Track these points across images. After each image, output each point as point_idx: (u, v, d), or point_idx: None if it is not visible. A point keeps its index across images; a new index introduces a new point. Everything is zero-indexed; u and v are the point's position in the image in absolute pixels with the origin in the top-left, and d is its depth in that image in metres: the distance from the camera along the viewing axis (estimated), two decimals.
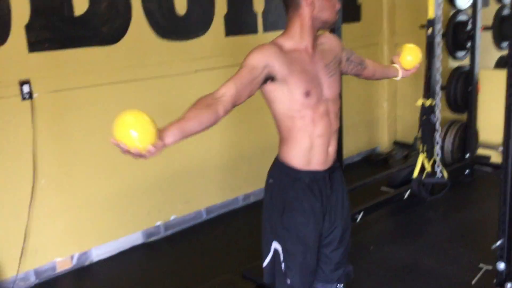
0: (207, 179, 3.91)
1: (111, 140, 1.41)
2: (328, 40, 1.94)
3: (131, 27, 3.30)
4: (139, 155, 1.44)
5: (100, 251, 3.41)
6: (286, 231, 1.87)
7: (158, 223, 3.67)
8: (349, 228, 2.03)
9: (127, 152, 1.43)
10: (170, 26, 3.50)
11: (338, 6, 1.81)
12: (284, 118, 1.80)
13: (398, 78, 2.32)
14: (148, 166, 3.54)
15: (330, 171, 1.91)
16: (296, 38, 1.79)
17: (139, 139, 1.40)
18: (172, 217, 3.74)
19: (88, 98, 3.21)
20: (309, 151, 1.83)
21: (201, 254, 3.48)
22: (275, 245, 1.89)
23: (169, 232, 3.74)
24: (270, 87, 1.75)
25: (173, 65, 3.56)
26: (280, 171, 1.88)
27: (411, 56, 2.26)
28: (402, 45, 2.30)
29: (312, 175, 1.86)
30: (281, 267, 1.90)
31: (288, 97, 1.75)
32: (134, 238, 3.56)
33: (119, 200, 3.44)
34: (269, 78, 1.72)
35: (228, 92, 1.63)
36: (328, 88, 1.84)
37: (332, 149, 1.90)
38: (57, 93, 3.09)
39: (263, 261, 1.95)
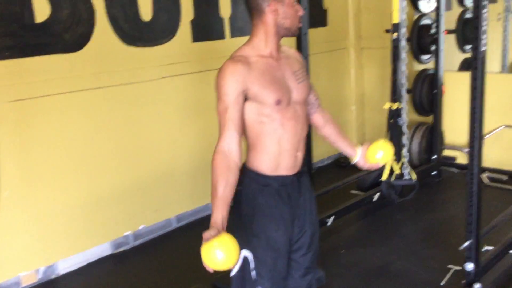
0: (177, 186, 3.86)
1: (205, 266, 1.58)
2: (292, 51, 1.98)
3: (95, 33, 3.24)
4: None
5: (66, 264, 3.32)
6: (257, 238, 1.86)
7: (127, 233, 3.60)
8: (317, 232, 2.03)
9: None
10: (135, 32, 3.45)
11: (301, 12, 1.82)
12: (253, 124, 1.80)
13: (353, 162, 2.10)
14: (115, 174, 3.48)
15: (299, 175, 1.91)
16: (261, 45, 1.80)
17: (224, 264, 1.58)
18: (141, 226, 3.68)
19: (52, 106, 3.13)
20: (277, 156, 1.83)
21: (172, 264, 3.42)
22: (245, 253, 1.87)
23: (138, 242, 3.67)
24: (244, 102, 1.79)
25: (139, 72, 3.51)
26: (248, 178, 1.87)
27: (381, 154, 2.01)
28: (379, 140, 2.07)
29: (281, 180, 1.86)
30: (251, 276, 1.87)
31: (259, 104, 1.76)
32: (102, 249, 3.48)
33: (86, 210, 3.36)
34: (246, 97, 1.77)
35: (233, 142, 1.74)
36: (297, 93, 1.85)
37: (301, 153, 1.91)
38: (19, 102, 2.99)
39: (232, 270, 1.93)
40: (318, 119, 2.11)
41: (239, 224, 1.90)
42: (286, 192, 1.87)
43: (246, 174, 1.88)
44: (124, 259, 3.50)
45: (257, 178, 1.86)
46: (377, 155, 2.01)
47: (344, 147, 2.12)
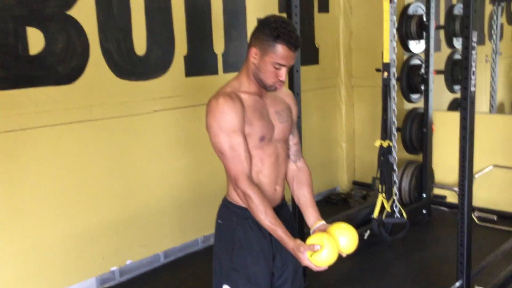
0: (165, 221, 3.81)
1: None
2: (283, 90, 1.96)
3: (89, 66, 3.25)
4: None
5: None
6: (236, 272, 1.85)
7: (113, 268, 3.53)
8: (301, 267, 2.01)
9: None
10: (129, 66, 3.47)
11: (282, 78, 1.77)
12: None
13: (311, 229, 1.86)
14: (103, 208, 3.43)
15: (278, 209, 1.91)
16: (245, 83, 1.83)
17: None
18: (128, 262, 3.61)
19: (43, 138, 3.10)
20: None
21: None
22: (225, 287, 1.85)
23: (125, 277, 3.59)
24: None
25: (131, 105, 3.51)
26: (228, 211, 1.87)
27: (346, 242, 1.75)
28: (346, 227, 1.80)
29: None
30: None
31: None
32: (87, 284, 3.40)
33: (72, 244, 3.29)
34: None
35: (248, 167, 1.78)
36: (279, 132, 1.88)
37: (280, 187, 1.92)
38: (9, 133, 2.97)
39: None
40: (288, 169, 1.98)
41: (219, 259, 1.90)
42: None
43: (226, 206, 1.89)
44: None
45: (237, 211, 1.86)
46: (342, 243, 1.74)
47: (308, 215, 1.91)
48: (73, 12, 3.15)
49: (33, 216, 3.11)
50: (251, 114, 1.77)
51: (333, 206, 4.93)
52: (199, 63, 3.91)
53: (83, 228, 3.34)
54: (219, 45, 4.02)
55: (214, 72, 4.00)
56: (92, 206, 3.38)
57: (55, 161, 3.17)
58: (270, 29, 1.70)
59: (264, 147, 1.81)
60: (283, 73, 1.76)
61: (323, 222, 1.87)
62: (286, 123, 1.89)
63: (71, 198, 3.27)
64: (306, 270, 2.85)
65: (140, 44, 3.51)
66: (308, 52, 4.73)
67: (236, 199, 1.85)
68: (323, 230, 1.80)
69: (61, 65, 3.14)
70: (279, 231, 1.71)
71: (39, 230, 3.15)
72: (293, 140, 1.99)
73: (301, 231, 3.08)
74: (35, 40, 3.01)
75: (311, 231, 1.85)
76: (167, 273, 3.70)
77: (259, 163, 1.82)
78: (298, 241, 1.68)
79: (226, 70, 4.04)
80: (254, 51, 1.76)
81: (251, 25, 4.18)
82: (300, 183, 1.96)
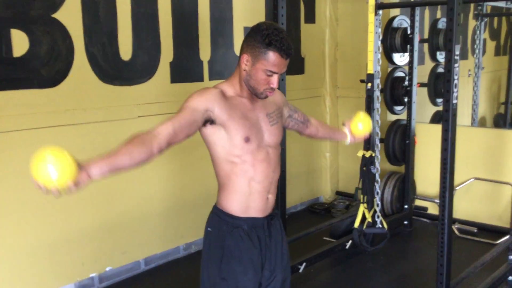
0: (146, 228, 3.78)
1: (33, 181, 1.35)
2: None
3: (73, 70, 3.23)
4: (57, 192, 1.39)
5: None
6: (225, 282, 1.83)
7: (93, 274, 3.48)
8: (289, 277, 2.01)
9: (44, 189, 1.38)
10: (114, 71, 3.45)
11: (272, 85, 1.77)
12: (223, 162, 1.80)
13: (347, 142, 2.30)
14: (83, 214, 3.39)
15: (269, 218, 1.90)
16: (237, 87, 1.83)
17: (57, 178, 1.35)
18: (108, 268, 3.56)
19: (23, 141, 3.06)
20: (247, 197, 1.82)
21: None
22: None
23: (104, 284, 3.54)
24: (209, 130, 1.76)
25: (115, 110, 3.49)
26: (218, 219, 1.85)
27: (362, 124, 2.29)
28: (356, 113, 2.33)
29: (251, 222, 1.84)
30: None
31: (227, 141, 1.76)
32: None
33: (51, 249, 3.25)
34: (208, 121, 1.73)
35: (165, 131, 1.62)
36: (269, 136, 1.86)
37: (272, 196, 1.90)
38: None
39: None
40: (310, 131, 2.22)
41: (208, 267, 1.87)
42: (256, 234, 1.85)
43: (216, 214, 1.87)
44: None
45: (227, 219, 1.84)
46: (359, 127, 2.28)
47: (335, 137, 2.34)
48: (59, 15, 3.13)
49: (11, 220, 3.07)
50: (232, 110, 1.76)
51: (316, 216, 4.94)
52: (185, 69, 3.91)
53: (62, 233, 3.29)
54: (205, 52, 4.02)
55: (200, 79, 4.00)
56: (72, 211, 3.34)
57: None
58: (262, 36, 1.70)
59: (255, 152, 1.80)
60: (274, 80, 1.75)
61: (346, 129, 2.29)
62: (276, 125, 1.89)
63: (51, 203, 3.23)
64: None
65: (125, 49, 3.50)
66: (294, 62, 4.75)
67: (227, 206, 1.84)
68: (351, 133, 2.29)
69: (45, 68, 3.11)
70: (106, 155, 1.56)
71: (17, 235, 3.10)
72: (297, 113, 2.11)
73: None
74: (19, 43, 2.98)
75: (347, 143, 2.30)
76: (147, 280, 3.66)
77: (250, 169, 1.80)
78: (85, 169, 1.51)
79: (212, 77, 4.04)
80: (245, 58, 1.75)
81: (238, 33, 4.20)
82: (318, 131, 2.25)
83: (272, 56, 1.70)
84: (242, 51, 1.78)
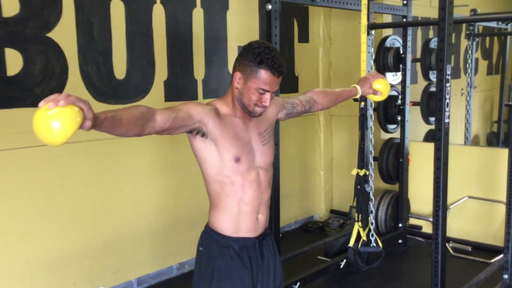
0: (139, 247, 3.75)
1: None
2: None
3: (67, 89, 3.23)
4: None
5: None
6: None
7: None
8: None
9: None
10: (108, 90, 3.46)
11: (265, 103, 1.76)
12: (214, 182, 1.80)
13: (358, 96, 2.33)
14: (75, 233, 3.36)
15: (261, 238, 1.89)
16: (230, 106, 1.83)
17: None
18: None
19: (15, 160, 3.05)
20: (237, 217, 1.82)
21: None
22: None
23: None
24: (200, 144, 1.76)
25: None
26: (209, 238, 1.84)
27: (380, 86, 2.35)
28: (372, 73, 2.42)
29: (242, 242, 1.83)
30: None
31: (218, 159, 1.75)
32: None
33: (42, 269, 3.21)
34: (199, 132, 1.72)
35: (163, 114, 1.59)
36: (261, 156, 1.85)
37: (263, 216, 1.89)
38: None
39: None
40: (317, 108, 2.20)
41: (199, 286, 1.86)
42: (247, 255, 1.84)
43: (207, 233, 1.86)
44: None
45: (218, 238, 1.83)
46: (377, 86, 2.35)
47: (345, 97, 2.32)
48: (53, 34, 3.15)
49: (2, 239, 3.03)
50: (225, 129, 1.76)
51: (310, 234, 4.91)
52: (179, 88, 3.92)
53: (54, 253, 3.26)
54: (199, 71, 4.04)
55: (194, 97, 4.01)
56: (64, 230, 3.31)
57: (28, 183, 3.12)
58: (253, 55, 1.71)
59: (245, 174, 1.79)
60: (267, 99, 1.75)
61: (357, 86, 2.32)
62: (267, 144, 1.89)
63: (42, 222, 3.21)
64: None
65: (120, 67, 3.51)
66: (288, 80, 4.78)
67: (218, 226, 1.83)
68: (368, 85, 2.35)
69: (39, 87, 3.11)
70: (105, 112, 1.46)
71: (7, 254, 3.06)
72: (298, 106, 2.09)
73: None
74: (13, 61, 2.99)
75: (359, 96, 2.33)
76: None
77: (239, 191, 1.79)
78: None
79: (206, 96, 4.06)
80: (238, 76, 1.76)
81: (232, 52, 4.22)
82: (326, 100, 2.22)
83: (263, 74, 1.71)
84: (234, 69, 1.79)
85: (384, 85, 2.37)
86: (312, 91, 2.21)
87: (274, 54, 1.71)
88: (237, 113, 1.82)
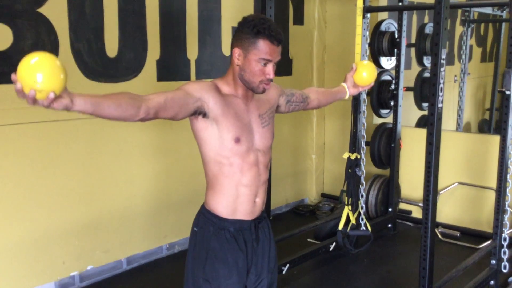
0: (129, 227, 3.74)
1: (12, 76, 1.24)
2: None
3: None
4: (34, 100, 1.25)
5: None
6: (208, 284, 1.80)
7: (74, 273, 3.44)
8: (276, 281, 1.98)
9: (21, 93, 1.24)
10: (99, 68, 3.41)
11: (268, 75, 1.73)
12: (212, 162, 1.77)
13: (346, 97, 2.30)
14: (65, 211, 3.35)
15: (257, 221, 1.88)
16: (231, 85, 1.80)
17: (41, 82, 1.22)
18: (89, 267, 3.52)
19: (4, 136, 3.01)
20: (235, 199, 1.80)
21: None
22: None
23: (85, 283, 3.50)
24: (201, 124, 1.73)
25: None
26: (205, 219, 1.82)
27: (366, 73, 2.25)
28: (357, 62, 2.33)
29: (238, 225, 1.82)
30: None
31: (218, 140, 1.73)
32: None
33: (31, 247, 3.20)
34: (201, 113, 1.69)
35: (156, 98, 1.57)
36: (260, 138, 1.83)
37: (260, 200, 1.87)
38: None
39: None
40: (311, 106, 2.20)
41: (192, 268, 1.85)
42: (242, 237, 1.83)
43: (203, 214, 1.84)
44: None
45: (214, 220, 1.81)
46: (364, 76, 2.24)
47: (336, 97, 2.29)
48: (44, 9, 3.09)
49: None
50: (226, 108, 1.73)
51: (300, 217, 4.93)
52: (172, 68, 3.88)
53: (43, 231, 3.25)
54: (192, 51, 3.99)
55: (187, 77, 3.97)
56: (54, 208, 3.29)
57: (17, 160, 3.09)
58: (249, 27, 1.68)
59: (244, 155, 1.77)
60: (270, 70, 1.72)
61: (345, 84, 2.28)
62: (267, 127, 1.86)
63: (32, 199, 3.19)
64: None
65: (112, 45, 3.46)
66: (281, 63, 4.73)
67: (215, 207, 1.81)
68: (353, 84, 2.29)
69: None
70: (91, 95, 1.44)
71: None
72: (295, 95, 2.08)
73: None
74: (3, 36, 2.93)
75: (347, 95, 2.29)
76: (129, 280, 3.62)
77: (238, 173, 1.77)
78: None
79: (199, 76, 4.02)
80: (237, 52, 1.73)
81: (226, 32, 4.18)
82: (318, 100, 2.21)
83: (262, 44, 1.68)
84: (232, 46, 1.76)
85: (368, 74, 2.26)
86: (308, 88, 2.22)
87: (270, 23, 1.69)
88: (239, 93, 1.79)
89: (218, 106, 1.70)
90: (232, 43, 1.77)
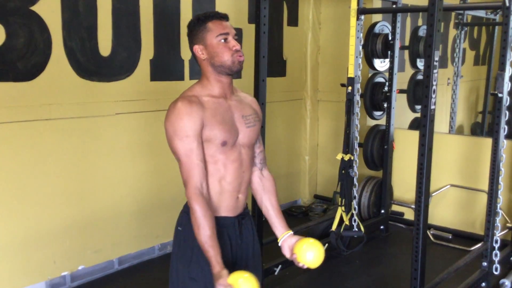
0: (121, 227, 3.72)
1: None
2: (248, 98, 1.96)
3: (50, 64, 3.17)
4: None
5: None
6: (194, 282, 1.81)
7: (65, 273, 3.42)
8: (260, 276, 1.98)
9: None
10: (92, 67, 3.40)
11: (237, 47, 1.77)
12: None
13: (279, 242, 1.93)
14: (56, 210, 3.33)
15: (240, 218, 1.88)
16: (208, 86, 1.82)
17: None
18: (81, 267, 3.50)
19: None
20: (218, 196, 1.81)
21: None
22: None
23: (76, 283, 3.48)
24: None
25: (92, 106, 3.44)
26: (188, 218, 1.82)
27: (312, 254, 1.79)
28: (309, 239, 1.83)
29: (221, 221, 1.83)
30: None
31: (205, 144, 1.75)
32: None
33: (21, 246, 3.18)
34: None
35: (204, 180, 1.73)
36: (243, 137, 1.85)
37: (243, 196, 1.89)
38: None
39: None
40: (258, 182, 1.98)
41: (177, 267, 1.85)
42: (226, 233, 1.84)
43: (186, 212, 1.84)
44: None
45: None
46: (307, 256, 1.77)
47: (276, 225, 1.96)
48: (37, 7, 3.07)
49: None
50: (212, 117, 1.74)
51: (293, 219, 4.93)
52: (165, 68, 3.87)
53: (34, 230, 3.23)
54: (187, 51, 3.97)
55: (180, 78, 3.96)
56: (45, 208, 3.27)
57: (8, 159, 3.06)
58: (194, 22, 1.80)
59: (228, 152, 1.78)
60: (233, 42, 1.78)
61: (290, 232, 1.91)
62: (253, 128, 1.87)
63: (23, 199, 3.16)
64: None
65: (105, 44, 3.45)
66: (275, 64, 4.75)
67: None
68: (290, 243, 1.87)
69: (21, 61, 3.04)
70: (210, 253, 1.66)
71: None
72: (259, 148, 1.98)
73: (261, 241, 3.06)
74: None
75: (279, 243, 1.91)
76: (120, 280, 3.61)
77: (222, 169, 1.79)
78: (224, 272, 1.63)
79: (193, 76, 4.01)
80: (197, 49, 1.79)
81: None
82: (267, 192, 1.99)
83: (212, 25, 1.77)
84: (191, 48, 1.82)
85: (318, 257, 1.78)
86: (267, 170, 2.03)
87: (210, 11, 1.81)
88: (217, 92, 1.80)
89: (207, 121, 1.74)
90: (190, 47, 1.83)
